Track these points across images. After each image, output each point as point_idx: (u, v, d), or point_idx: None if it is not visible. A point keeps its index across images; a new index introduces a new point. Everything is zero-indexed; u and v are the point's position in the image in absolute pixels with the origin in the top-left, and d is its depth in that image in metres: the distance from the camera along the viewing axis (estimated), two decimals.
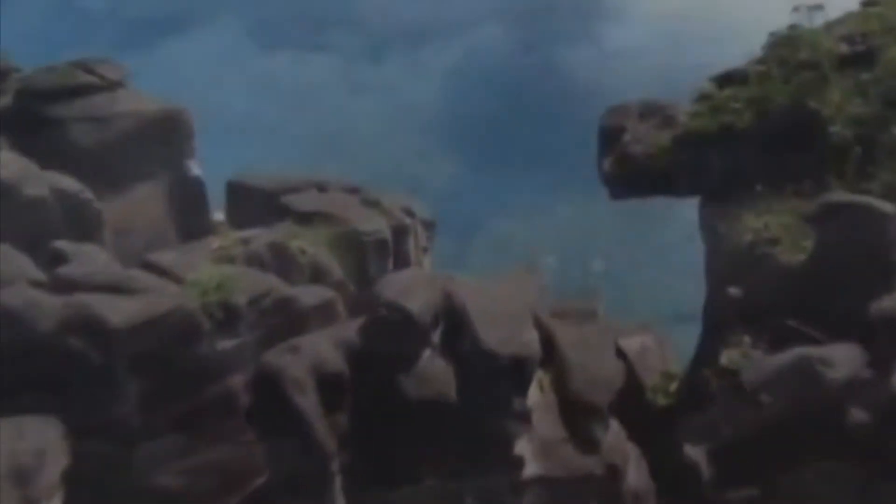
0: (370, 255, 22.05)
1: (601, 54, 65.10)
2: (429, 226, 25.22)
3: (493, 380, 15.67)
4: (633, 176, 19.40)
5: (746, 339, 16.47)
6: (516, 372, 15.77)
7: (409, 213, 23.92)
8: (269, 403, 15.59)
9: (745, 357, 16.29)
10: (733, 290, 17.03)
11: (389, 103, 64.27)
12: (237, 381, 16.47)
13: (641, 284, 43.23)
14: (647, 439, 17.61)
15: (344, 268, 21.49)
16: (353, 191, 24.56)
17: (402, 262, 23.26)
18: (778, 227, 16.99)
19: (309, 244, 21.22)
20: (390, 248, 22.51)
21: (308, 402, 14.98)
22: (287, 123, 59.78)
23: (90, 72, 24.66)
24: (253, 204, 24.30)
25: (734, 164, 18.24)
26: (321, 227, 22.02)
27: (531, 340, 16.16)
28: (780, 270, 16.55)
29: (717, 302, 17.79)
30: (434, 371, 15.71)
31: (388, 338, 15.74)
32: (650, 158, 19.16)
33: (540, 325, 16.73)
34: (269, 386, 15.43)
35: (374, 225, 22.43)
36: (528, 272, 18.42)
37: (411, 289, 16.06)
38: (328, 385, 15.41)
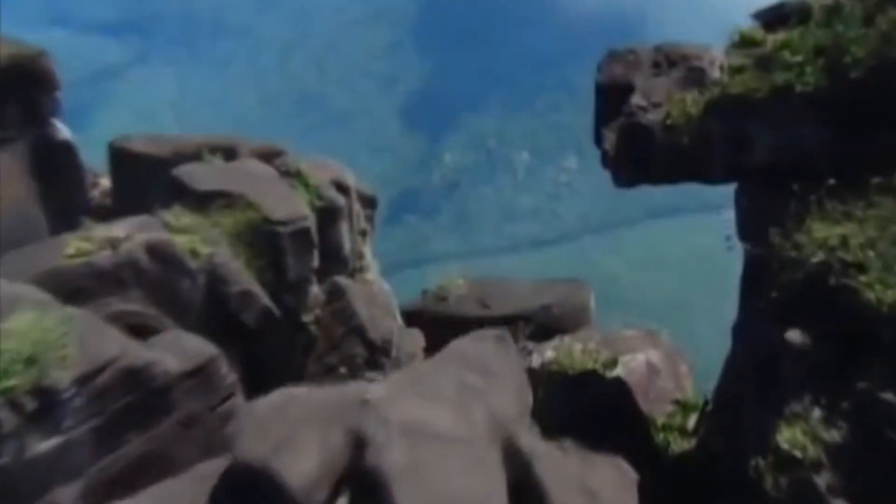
0: (288, 252, 16.63)
1: None
2: (369, 202, 19.52)
3: None
4: (645, 156, 13.71)
5: (817, 412, 11.27)
6: None
7: (342, 189, 18.27)
8: None
9: (814, 440, 11.14)
10: (795, 336, 11.80)
11: None
12: (65, 496, 10.90)
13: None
14: None
15: (253, 270, 16.22)
16: (271, 155, 18.86)
17: (332, 256, 17.82)
18: (861, 242, 11.62)
19: (204, 241, 15.86)
20: (314, 240, 16.99)
21: None
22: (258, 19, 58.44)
23: None
24: (140, 175, 18.78)
25: (792, 142, 12.85)
26: (223, 214, 16.60)
27: None
28: (867, 312, 11.18)
29: (766, 344, 12.51)
30: None
31: None
32: (670, 131, 13.49)
33: (520, 469, 10.13)
34: None
35: (294, 210, 16.92)
36: (500, 345, 11.58)
37: (294, 433, 9.09)
38: None
